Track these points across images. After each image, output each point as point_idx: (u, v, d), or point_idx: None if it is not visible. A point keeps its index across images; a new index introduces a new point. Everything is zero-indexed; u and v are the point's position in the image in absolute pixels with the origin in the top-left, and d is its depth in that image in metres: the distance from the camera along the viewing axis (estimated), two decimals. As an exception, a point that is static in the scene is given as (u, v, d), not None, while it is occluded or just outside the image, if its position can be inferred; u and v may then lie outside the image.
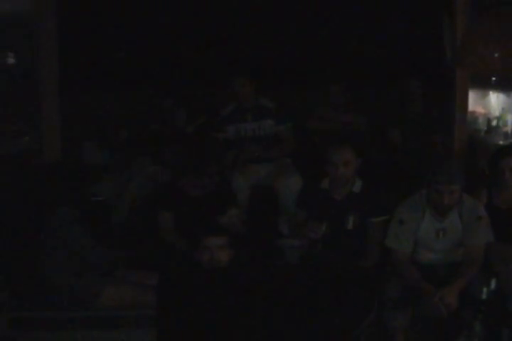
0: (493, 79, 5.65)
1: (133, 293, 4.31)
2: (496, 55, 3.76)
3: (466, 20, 4.98)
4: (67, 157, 5.43)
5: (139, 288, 4.32)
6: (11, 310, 4.29)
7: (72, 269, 4.34)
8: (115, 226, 5.35)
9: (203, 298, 3.50)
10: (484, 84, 5.99)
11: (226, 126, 5.75)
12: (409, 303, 4.26)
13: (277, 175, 5.58)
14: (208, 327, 3.54)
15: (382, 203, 4.57)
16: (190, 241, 4.09)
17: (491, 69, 4.14)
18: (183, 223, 4.83)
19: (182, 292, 3.59)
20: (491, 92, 6.22)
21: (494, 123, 6.06)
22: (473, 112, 6.03)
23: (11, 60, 5.44)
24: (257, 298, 3.49)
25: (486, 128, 6.12)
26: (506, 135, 5.92)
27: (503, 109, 6.08)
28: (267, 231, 5.29)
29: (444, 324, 4.20)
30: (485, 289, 3.71)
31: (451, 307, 4.04)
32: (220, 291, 3.56)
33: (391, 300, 4.22)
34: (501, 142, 5.82)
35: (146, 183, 5.63)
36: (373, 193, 4.58)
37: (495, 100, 6.16)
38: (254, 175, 5.65)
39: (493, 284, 3.73)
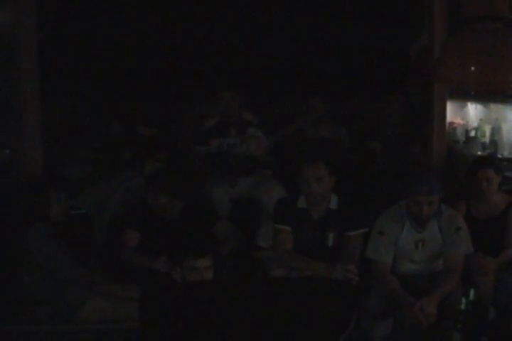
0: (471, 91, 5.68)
1: (115, 306, 4.30)
2: (472, 70, 3.79)
3: (442, 34, 5.05)
4: (48, 170, 5.38)
5: (120, 301, 4.31)
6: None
7: (50, 284, 4.32)
8: (97, 241, 5.29)
9: (185, 312, 3.51)
10: (462, 95, 6.04)
11: (209, 139, 5.75)
12: (388, 313, 4.30)
13: (259, 186, 5.60)
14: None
15: (360, 216, 4.55)
16: (169, 261, 4.21)
17: (466, 85, 4.18)
18: (151, 243, 4.76)
19: (164, 306, 3.60)
20: (469, 103, 6.29)
21: (472, 134, 6.13)
22: (452, 123, 6.12)
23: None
24: (239, 311, 3.49)
25: (464, 138, 6.17)
26: (484, 146, 5.98)
27: (481, 119, 6.16)
28: (247, 243, 5.27)
29: (423, 334, 4.20)
30: (464, 300, 3.74)
31: (430, 317, 4.07)
32: (203, 305, 3.58)
33: (371, 311, 4.25)
34: (479, 153, 5.89)
35: (128, 197, 5.52)
36: (350, 208, 4.55)
37: (473, 111, 6.22)
38: (235, 188, 5.66)
39: (471, 295, 3.75)
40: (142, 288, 4.12)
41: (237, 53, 7.13)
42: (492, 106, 6.11)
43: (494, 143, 6.01)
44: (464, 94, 6.05)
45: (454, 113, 6.04)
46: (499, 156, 5.79)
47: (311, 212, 4.56)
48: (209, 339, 3.42)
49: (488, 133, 6.06)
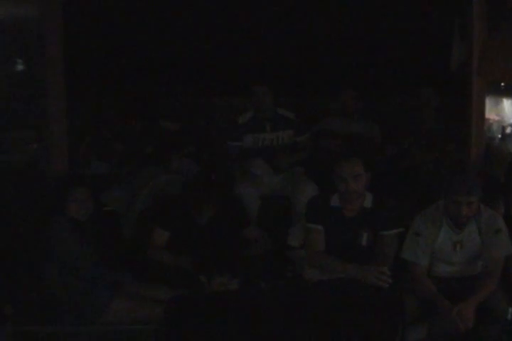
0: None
1: (141, 307, 4.18)
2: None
3: (484, 29, 4.88)
4: (74, 167, 5.29)
5: (146, 302, 4.19)
6: (15, 323, 4.15)
7: (74, 283, 4.23)
8: (124, 239, 5.19)
9: (212, 321, 3.42)
10: (497, 91, 5.87)
11: (243, 135, 5.63)
12: (424, 318, 4.17)
13: (292, 184, 5.47)
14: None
15: (395, 216, 4.41)
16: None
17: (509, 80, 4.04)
18: (179, 244, 4.66)
19: (190, 309, 3.51)
20: (504, 99, 6.16)
21: (508, 130, 5.95)
22: (487, 119, 5.90)
23: (19, 67, 5.34)
24: (271, 320, 3.39)
25: (500, 135, 5.99)
26: (520, 142, 5.82)
27: (517, 115, 5.98)
28: (278, 242, 5.13)
29: (462, 340, 4.05)
30: (510, 309, 3.58)
31: (468, 323, 3.95)
32: (231, 314, 3.49)
33: (408, 315, 4.11)
34: (516, 149, 5.70)
35: (156, 194, 5.42)
36: (385, 206, 4.42)
37: (509, 107, 6.04)
38: (264, 185, 5.53)
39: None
40: (169, 290, 4.03)
41: (269, 47, 6.97)
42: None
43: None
44: (500, 90, 5.85)
45: (489, 109, 5.79)
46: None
47: (345, 211, 4.42)
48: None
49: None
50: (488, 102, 5.68)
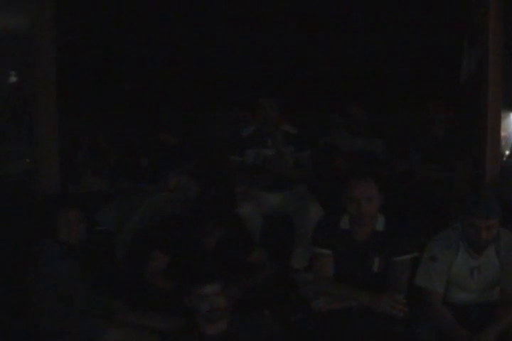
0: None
1: (138, 337, 3.92)
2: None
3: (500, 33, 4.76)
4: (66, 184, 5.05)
5: (143, 333, 3.94)
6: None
7: (65, 312, 3.97)
8: (118, 261, 4.92)
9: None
10: (504, 105, 5.66)
11: (245, 150, 5.40)
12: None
13: (294, 203, 5.24)
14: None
15: (409, 240, 4.15)
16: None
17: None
18: (180, 269, 4.32)
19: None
20: (511, 114, 5.99)
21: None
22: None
23: (12, 78, 5.13)
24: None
25: (508, 152, 5.77)
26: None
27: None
28: (280, 264, 4.88)
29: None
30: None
31: (489, 354, 3.73)
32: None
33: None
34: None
35: (151, 213, 5.15)
36: (398, 230, 4.14)
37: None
38: (266, 204, 5.29)
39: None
40: (167, 320, 3.85)
41: (275, 59, 6.81)
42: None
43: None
44: (506, 104, 5.64)
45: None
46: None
47: (355, 234, 4.14)
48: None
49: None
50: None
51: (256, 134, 5.42)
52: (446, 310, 4.00)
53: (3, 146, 5.30)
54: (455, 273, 4.06)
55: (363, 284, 4.06)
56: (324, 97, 6.80)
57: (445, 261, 4.03)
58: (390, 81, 6.82)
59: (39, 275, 4.00)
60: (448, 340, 3.90)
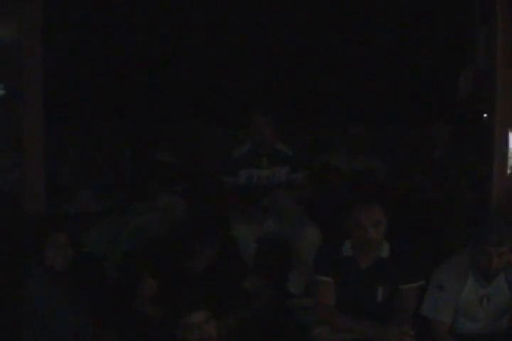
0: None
1: None
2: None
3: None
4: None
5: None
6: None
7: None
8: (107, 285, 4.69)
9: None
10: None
11: (238, 170, 5.19)
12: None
13: (291, 225, 5.01)
14: None
15: (416, 266, 3.94)
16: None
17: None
18: (171, 295, 4.06)
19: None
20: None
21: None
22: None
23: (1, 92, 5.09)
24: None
25: (509, 170, 5.60)
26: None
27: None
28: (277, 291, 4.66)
29: None
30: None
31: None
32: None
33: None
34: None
35: (140, 234, 4.96)
36: (404, 256, 3.93)
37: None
38: (262, 226, 5.06)
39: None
40: None
41: (270, 75, 6.70)
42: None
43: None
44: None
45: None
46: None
47: (359, 261, 3.93)
48: None
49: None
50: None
51: (250, 154, 5.22)
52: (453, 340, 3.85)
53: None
54: (463, 302, 3.91)
55: (366, 314, 3.86)
56: (323, 115, 6.65)
57: (453, 290, 3.87)
58: (392, 99, 6.74)
59: (22, 303, 3.76)
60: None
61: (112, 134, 6.39)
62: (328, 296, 3.93)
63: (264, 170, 5.18)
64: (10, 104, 4.91)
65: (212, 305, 3.68)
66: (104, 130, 6.37)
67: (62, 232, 3.98)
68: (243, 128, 5.29)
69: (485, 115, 5.60)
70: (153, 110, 6.51)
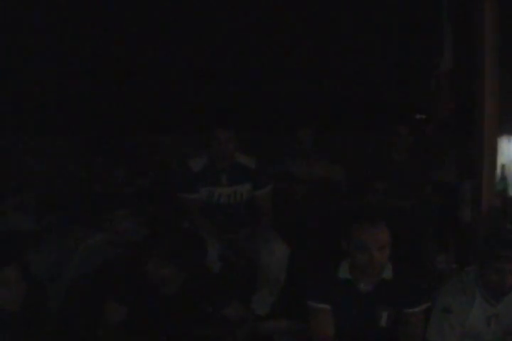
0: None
1: None
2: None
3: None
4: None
5: None
6: None
7: None
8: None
9: None
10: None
11: (198, 187, 4.80)
12: None
13: (255, 239, 4.71)
14: None
15: (421, 288, 3.62)
16: None
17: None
18: (140, 322, 3.73)
19: None
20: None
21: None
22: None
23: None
24: None
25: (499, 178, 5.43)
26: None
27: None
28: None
29: None
30: None
31: None
32: None
33: None
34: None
35: (91, 258, 4.50)
36: (408, 277, 3.61)
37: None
38: (224, 244, 4.73)
39: None
40: None
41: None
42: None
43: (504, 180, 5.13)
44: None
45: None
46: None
47: (358, 284, 3.56)
48: None
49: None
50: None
51: (207, 170, 4.83)
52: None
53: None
54: (471, 323, 3.58)
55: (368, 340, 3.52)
56: (275, 120, 6.38)
57: (460, 312, 3.54)
58: (349, 102, 6.53)
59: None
60: None
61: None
62: (326, 325, 3.55)
63: (224, 188, 4.82)
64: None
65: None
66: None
67: (9, 266, 3.34)
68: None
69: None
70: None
